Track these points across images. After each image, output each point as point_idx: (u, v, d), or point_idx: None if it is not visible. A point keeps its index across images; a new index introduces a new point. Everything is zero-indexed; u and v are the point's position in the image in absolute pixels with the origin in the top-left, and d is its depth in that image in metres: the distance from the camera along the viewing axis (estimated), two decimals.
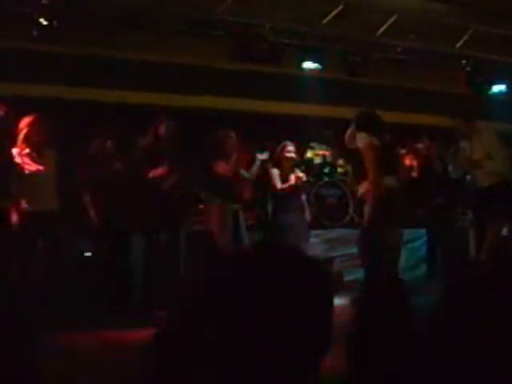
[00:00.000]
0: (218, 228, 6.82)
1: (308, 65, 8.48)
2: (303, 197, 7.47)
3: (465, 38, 8.19)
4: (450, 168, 7.14)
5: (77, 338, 5.20)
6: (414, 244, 8.39)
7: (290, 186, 7.20)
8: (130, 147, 6.91)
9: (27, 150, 6.01)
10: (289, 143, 7.30)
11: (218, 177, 6.86)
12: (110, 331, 5.49)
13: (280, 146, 7.30)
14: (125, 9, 7.01)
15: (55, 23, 6.82)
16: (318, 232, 8.16)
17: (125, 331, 5.46)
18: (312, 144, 8.14)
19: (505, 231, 7.17)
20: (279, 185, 7.18)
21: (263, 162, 7.19)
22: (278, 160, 7.27)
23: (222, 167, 6.84)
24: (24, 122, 6.11)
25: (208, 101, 9.17)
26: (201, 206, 7.61)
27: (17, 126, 6.12)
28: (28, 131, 6.07)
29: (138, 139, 6.87)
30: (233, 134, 7.03)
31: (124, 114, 7.97)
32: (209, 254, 6.68)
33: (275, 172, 7.24)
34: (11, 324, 2.34)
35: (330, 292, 1.49)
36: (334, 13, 7.59)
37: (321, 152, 8.70)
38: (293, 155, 7.29)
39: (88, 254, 6.88)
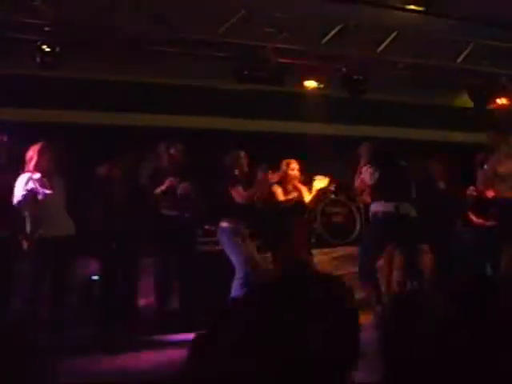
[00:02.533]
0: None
1: (309, 84, 8.53)
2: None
3: (466, 52, 8.21)
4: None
5: (88, 363, 5.18)
6: None
7: (292, 199, 7.19)
8: (137, 171, 6.93)
9: (38, 175, 6.02)
10: (293, 161, 7.32)
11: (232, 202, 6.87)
12: (123, 356, 5.46)
13: (284, 163, 7.29)
14: (127, 33, 7.04)
15: (58, 49, 6.88)
16: (326, 250, 8.15)
17: (137, 355, 5.44)
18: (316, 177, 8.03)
19: None
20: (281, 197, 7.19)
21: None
22: (281, 177, 7.27)
23: (237, 193, 6.83)
24: (34, 149, 6.14)
25: (211, 121, 9.21)
26: (207, 227, 7.62)
27: (25, 152, 6.15)
28: (38, 158, 6.09)
29: (144, 163, 6.90)
30: (243, 155, 7.08)
31: (130, 137, 7.99)
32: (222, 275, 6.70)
33: (278, 189, 7.25)
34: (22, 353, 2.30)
35: (355, 308, 1.51)
36: (333, 32, 7.63)
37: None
38: (297, 173, 7.30)
39: (95, 277, 6.86)
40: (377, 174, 6.84)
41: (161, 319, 6.54)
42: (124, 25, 6.91)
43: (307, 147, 8.77)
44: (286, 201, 7.20)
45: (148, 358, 5.26)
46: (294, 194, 7.25)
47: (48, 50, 6.83)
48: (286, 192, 7.27)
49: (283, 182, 7.27)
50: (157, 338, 6.07)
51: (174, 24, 7.04)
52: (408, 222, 6.79)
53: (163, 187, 6.74)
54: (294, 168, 7.29)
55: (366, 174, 6.89)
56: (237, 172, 6.98)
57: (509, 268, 6.80)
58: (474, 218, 7.67)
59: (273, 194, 7.25)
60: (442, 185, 7.80)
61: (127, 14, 6.77)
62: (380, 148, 7.29)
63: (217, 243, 7.21)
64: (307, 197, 7.31)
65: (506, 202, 6.94)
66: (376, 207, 6.85)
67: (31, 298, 5.92)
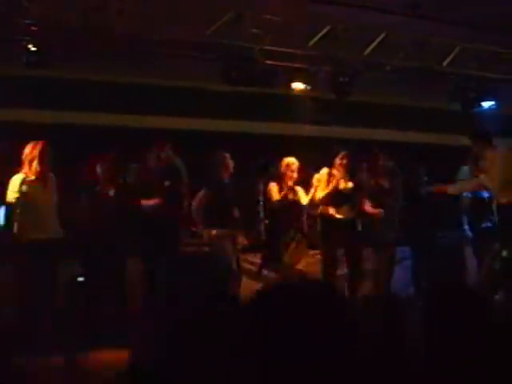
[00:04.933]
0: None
1: (297, 85, 8.53)
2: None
3: (452, 55, 8.25)
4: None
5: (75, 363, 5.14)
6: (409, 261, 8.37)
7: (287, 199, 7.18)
8: (125, 172, 6.91)
9: (32, 177, 5.99)
10: (293, 161, 7.31)
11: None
12: (109, 355, 5.42)
13: (284, 163, 7.29)
14: (115, 34, 7.01)
15: (45, 49, 6.83)
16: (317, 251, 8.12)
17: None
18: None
19: (505, 253, 7.20)
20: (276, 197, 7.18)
21: None
22: (279, 176, 7.27)
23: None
24: (31, 148, 6.09)
25: (199, 123, 9.19)
26: (194, 229, 7.60)
27: (18, 152, 6.12)
28: (32, 158, 6.05)
29: (133, 164, 6.89)
30: (228, 156, 7.10)
31: (117, 137, 7.96)
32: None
33: (274, 187, 7.24)
34: None
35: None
36: (321, 33, 7.64)
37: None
38: (295, 175, 7.30)
39: (81, 279, 6.82)
40: None
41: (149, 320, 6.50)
42: (112, 25, 6.88)
43: (294, 149, 8.76)
44: (281, 200, 7.20)
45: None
46: (289, 194, 7.24)
47: (34, 49, 6.78)
48: (281, 191, 7.27)
49: (280, 181, 7.27)
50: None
51: (162, 24, 7.02)
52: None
53: (151, 202, 6.73)
54: (293, 170, 7.29)
55: None
56: (222, 173, 7.01)
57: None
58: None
59: (268, 193, 7.27)
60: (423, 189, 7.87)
61: (115, 14, 6.74)
62: None
63: (204, 245, 7.21)
64: (304, 198, 7.31)
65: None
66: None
67: (17, 300, 5.89)
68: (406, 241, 8.38)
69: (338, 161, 7.37)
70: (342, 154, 7.39)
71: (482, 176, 7.23)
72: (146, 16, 6.93)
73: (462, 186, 7.78)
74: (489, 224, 7.91)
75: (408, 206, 8.00)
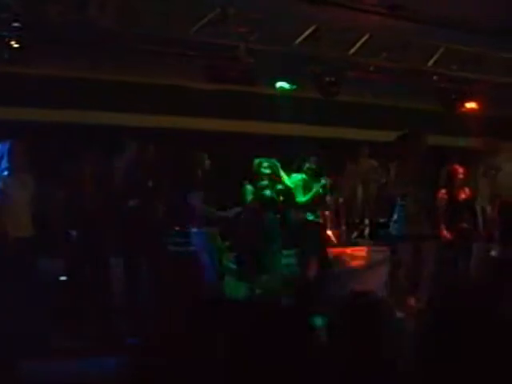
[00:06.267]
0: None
1: (281, 85, 8.52)
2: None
3: (436, 55, 8.30)
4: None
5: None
6: None
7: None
8: (105, 170, 6.84)
9: (6, 174, 5.92)
10: (265, 159, 7.27)
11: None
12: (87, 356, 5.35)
13: (256, 162, 7.23)
14: (98, 30, 6.92)
15: (27, 45, 6.73)
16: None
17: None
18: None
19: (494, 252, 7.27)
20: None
21: None
22: (253, 177, 7.20)
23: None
24: (4, 147, 6.02)
25: (182, 121, 9.14)
26: (179, 228, 7.56)
27: None
28: (9, 156, 5.98)
29: (115, 162, 6.82)
30: (206, 156, 7.08)
31: (99, 135, 7.86)
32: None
33: (249, 189, 7.19)
34: None
35: None
36: (306, 33, 7.62)
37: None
38: (269, 171, 7.24)
39: (63, 278, 6.74)
40: None
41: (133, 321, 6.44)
42: (95, 22, 6.79)
43: (278, 148, 8.75)
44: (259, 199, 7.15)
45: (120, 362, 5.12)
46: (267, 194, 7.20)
47: (17, 45, 6.67)
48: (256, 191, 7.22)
49: (255, 182, 7.21)
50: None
51: (146, 21, 6.94)
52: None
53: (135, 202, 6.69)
54: (265, 166, 7.24)
55: None
56: (199, 174, 6.98)
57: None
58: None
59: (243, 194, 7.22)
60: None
61: (98, 10, 6.65)
62: None
63: (189, 244, 7.17)
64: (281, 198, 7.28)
65: None
66: None
67: None
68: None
69: (307, 164, 7.58)
70: (313, 157, 7.55)
71: None
72: (129, 12, 6.85)
73: None
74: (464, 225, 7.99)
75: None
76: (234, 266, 7.28)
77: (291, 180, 7.39)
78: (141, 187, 6.85)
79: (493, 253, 7.13)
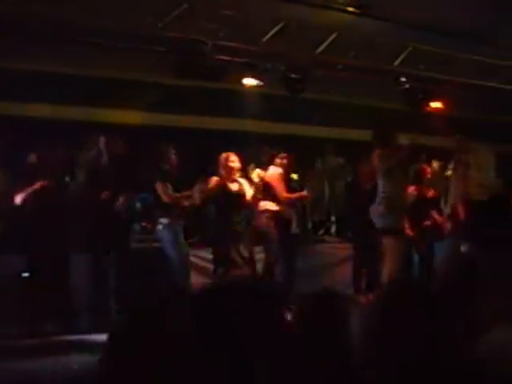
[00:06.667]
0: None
1: (249, 81, 8.52)
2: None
3: (403, 55, 8.37)
4: None
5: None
6: None
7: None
8: (69, 164, 6.76)
9: None
10: (232, 154, 7.20)
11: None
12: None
13: (223, 156, 7.16)
14: (63, 23, 6.82)
15: None
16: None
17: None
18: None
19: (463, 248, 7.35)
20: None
21: None
22: (219, 169, 7.13)
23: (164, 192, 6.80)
24: None
25: (149, 117, 9.08)
26: (144, 224, 7.51)
27: None
28: None
29: (80, 156, 6.74)
30: (172, 150, 7.02)
31: (63, 130, 7.75)
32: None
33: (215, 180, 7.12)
34: None
35: None
36: (274, 30, 7.61)
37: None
38: (237, 165, 7.18)
39: (26, 274, 6.64)
40: None
41: (96, 319, 6.38)
42: (59, 16, 6.69)
43: (244, 144, 8.76)
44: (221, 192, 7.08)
45: (79, 360, 5.06)
46: (233, 187, 7.15)
47: None
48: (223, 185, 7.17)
49: (223, 175, 7.13)
50: (92, 338, 5.80)
51: (112, 15, 6.86)
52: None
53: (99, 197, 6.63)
54: (233, 160, 7.17)
55: None
56: (166, 167, 6.93)
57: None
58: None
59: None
60: (367, 185, 7.93)
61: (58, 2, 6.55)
62: None
63: (154, 240, 7.12)
64: (249, 192, 7.23)
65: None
66: None
67: None
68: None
69: (278, 160, 7.47)
70: (283, 154, 7.53)
71: None
72: (94, 6, 6.75)
73: None
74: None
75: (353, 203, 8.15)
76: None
77: (259, 175, 7.40)
78: (105, 182, 6.78)
79: (462, 249, 7.23)
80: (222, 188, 6.96)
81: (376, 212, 6.75)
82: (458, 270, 2.66)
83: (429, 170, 8.28)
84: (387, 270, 6.58)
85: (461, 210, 7.66)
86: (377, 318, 1.97)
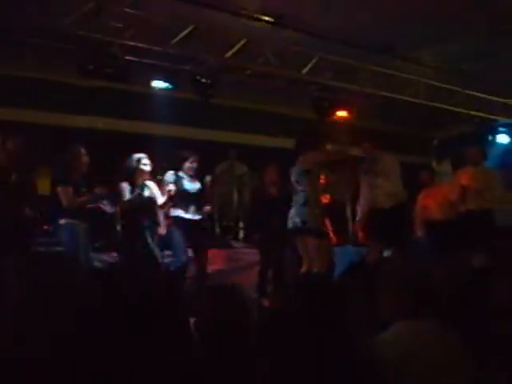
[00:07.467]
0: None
1: (158, 84, 8.40)
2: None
3: (310, 64, 8.51)
4: None
5: None
6: None
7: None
8: None
9: None
10: (144, 156, 7.07)
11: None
12: None
13: (134, 158, 7.02)
14: None
15: None
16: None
17: None
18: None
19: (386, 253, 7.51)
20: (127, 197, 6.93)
21: None
22: (130, 173, 6.97)
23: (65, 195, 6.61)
24: None
25: (55, 118, 8.82)
26: (46, 227, 7.24)
27: None
28: None
29: None
30: (84, 151, 6.83)
31: None
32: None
33: (125, 186, 6.95)
34: None
35: None
36: (184, 32, 7.55)
37: None
38: (149, 168, 7.06)
39: None
40: None
41: None
42: None
43: (152, 148, 8.64)
44: (133, 198, 6.93)
45: None
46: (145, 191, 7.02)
47: None
48: (134, 189, 7.00)
49: (131, 179, 6.98)
50: None
51: (15, 10, 6.58)
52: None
53: None
54: (146, 163, 7.05)
55: None
56: (76, 169, 6.73)
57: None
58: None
59: (120, 193, 6.99)
60: (273, 191, 8.01)
61: None
62: None
63: (56, 244, 6.87)
64: (160, 198, 7.11)
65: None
66: None
67: None
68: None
69: (187, 164, 7.44)
70: (193, 157, 7.49)
71: None
72: None
73: None
74: None
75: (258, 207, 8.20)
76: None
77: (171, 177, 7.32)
78: (5, 183, 6.50)
79: (385, 254, 7.41)
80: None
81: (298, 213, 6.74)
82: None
83: (323, 176, 8.35)
84: (305, 269, 6.60)
85: (367, 218, 7.86)
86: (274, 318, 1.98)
